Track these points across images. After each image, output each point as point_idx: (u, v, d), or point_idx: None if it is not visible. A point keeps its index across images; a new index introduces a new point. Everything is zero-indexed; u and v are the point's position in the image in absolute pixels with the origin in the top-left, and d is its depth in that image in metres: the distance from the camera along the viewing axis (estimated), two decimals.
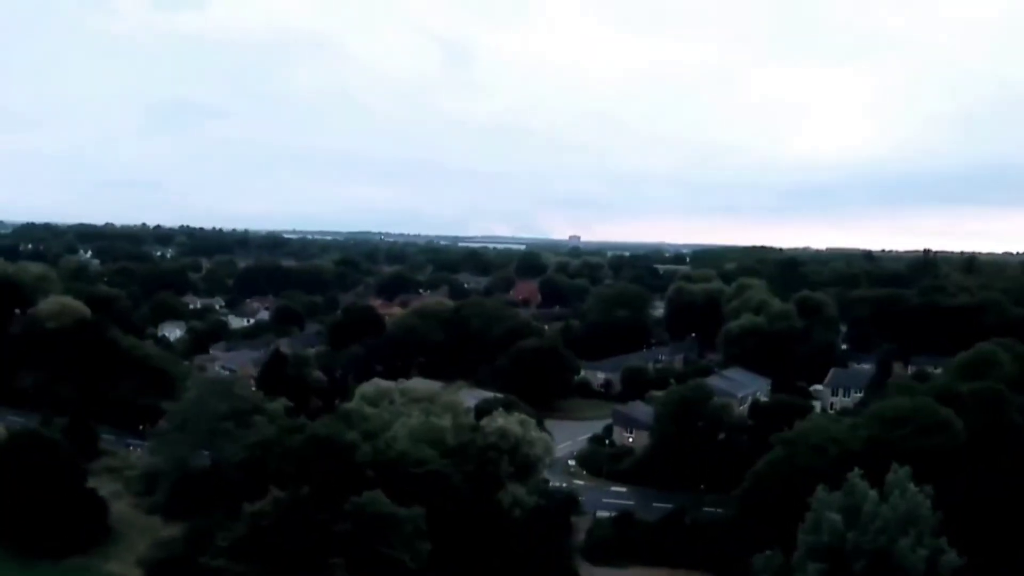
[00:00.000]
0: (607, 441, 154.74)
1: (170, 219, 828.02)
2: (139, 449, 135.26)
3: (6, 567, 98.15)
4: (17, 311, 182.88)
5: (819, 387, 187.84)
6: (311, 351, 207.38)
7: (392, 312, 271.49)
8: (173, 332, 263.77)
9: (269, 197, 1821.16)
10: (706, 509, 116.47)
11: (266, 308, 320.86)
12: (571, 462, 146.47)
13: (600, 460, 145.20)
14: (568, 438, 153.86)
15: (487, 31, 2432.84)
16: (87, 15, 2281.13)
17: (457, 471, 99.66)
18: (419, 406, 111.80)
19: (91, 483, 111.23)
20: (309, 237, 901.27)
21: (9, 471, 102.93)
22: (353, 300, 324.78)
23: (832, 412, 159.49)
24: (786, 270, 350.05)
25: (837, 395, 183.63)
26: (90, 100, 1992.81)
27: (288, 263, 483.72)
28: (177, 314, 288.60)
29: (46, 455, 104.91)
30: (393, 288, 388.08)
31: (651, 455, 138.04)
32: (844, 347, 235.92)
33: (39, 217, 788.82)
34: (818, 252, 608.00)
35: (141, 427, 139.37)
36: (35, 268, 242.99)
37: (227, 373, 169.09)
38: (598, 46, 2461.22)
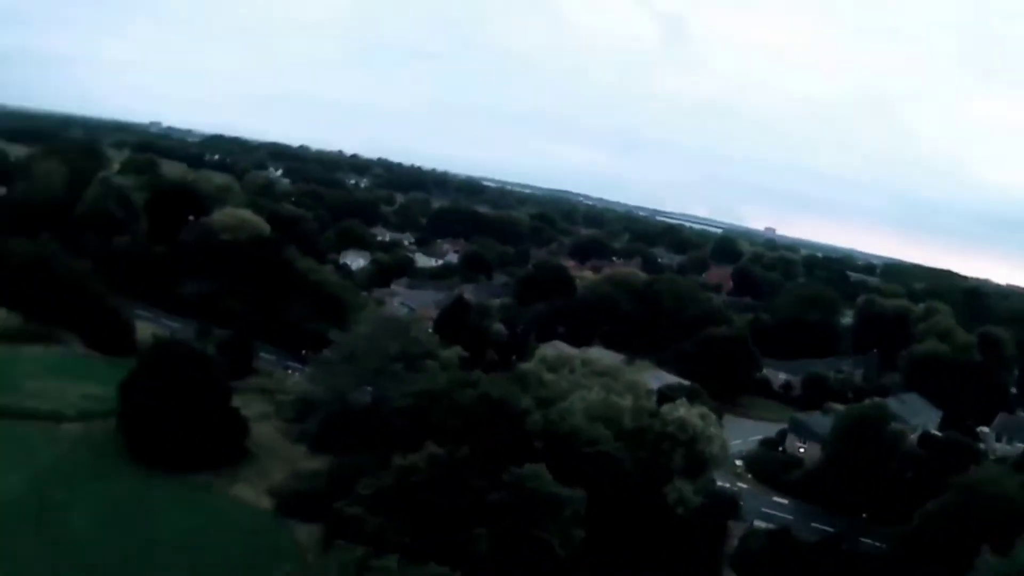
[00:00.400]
0: (779, 448, 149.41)
1: (368, 151, 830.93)
2: (297, 374, 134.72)
3: (130, 473, 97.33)
4: (192, 219, 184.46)
5: (984, 429, 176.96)
6: (495, 302, 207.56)
7: (583, 275, 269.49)
8: (356, 262, 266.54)
9: (471, 142, 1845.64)
10: (863, 539, 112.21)
11: (455, 251, 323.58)
12: (738, 462, 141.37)
13: (768, 466, 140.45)
14: (739, 436, 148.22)
15: (706, 10, 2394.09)
16: None
17: (630, 457, 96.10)
18: (600, 380, 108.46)
19: (239, 401, 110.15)
20: (508, 188, 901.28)
21: (148, 378, 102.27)
22: (545, 257, 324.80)
23: (992, 458, 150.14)
24: (970, 299, 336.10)
25: (1001, 441, 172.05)
26: (303, 28, 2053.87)
27: (484, 209, 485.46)
28: (364, 244, 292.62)
29: (191, 367, 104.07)
30: (587, 251, 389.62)
31: (821, 470, 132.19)
32: (1012, 391, 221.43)
33: (231, 132, 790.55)
34: (998, 286, 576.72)
35: (304, 352, 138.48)
36: (219, 178, 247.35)
37: (406, 311, 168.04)
38: (813, 38, 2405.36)
